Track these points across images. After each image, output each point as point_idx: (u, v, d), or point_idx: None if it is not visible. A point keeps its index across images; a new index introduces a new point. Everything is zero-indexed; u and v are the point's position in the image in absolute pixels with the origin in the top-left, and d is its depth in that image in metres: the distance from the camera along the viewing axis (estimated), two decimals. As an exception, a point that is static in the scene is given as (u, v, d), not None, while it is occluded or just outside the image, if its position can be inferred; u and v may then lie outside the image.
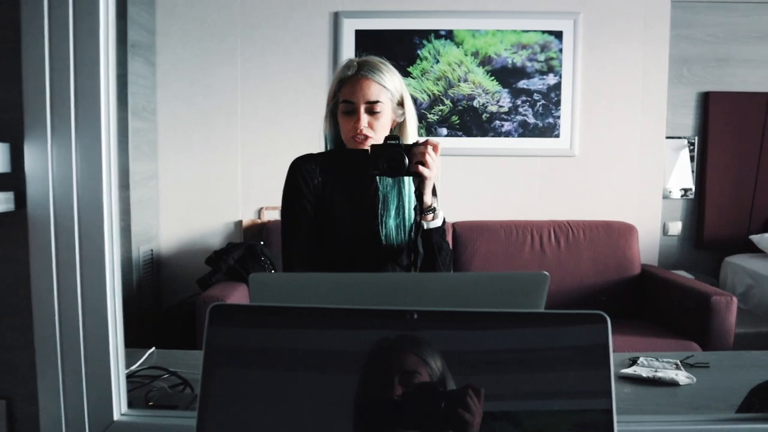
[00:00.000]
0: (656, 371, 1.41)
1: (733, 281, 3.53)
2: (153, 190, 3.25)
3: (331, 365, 0.69)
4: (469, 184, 3.29)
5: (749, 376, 1.25)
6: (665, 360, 1.49)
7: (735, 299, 2.64)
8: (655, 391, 1.36)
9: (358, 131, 1.44)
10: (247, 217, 3.29)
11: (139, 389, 1.26)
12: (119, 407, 0.87)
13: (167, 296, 3.26)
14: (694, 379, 1.39)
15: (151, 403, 1.17)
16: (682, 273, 3.35)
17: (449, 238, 2.71)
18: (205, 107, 3.25)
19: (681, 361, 1.48)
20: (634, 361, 1.49)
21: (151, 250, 3.20)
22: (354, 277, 0.90)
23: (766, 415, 0.93)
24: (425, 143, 1.37)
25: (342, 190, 1.51)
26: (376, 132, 1.45)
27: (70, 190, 0.83)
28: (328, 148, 1.57)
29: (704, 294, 2.68)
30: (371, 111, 1.44)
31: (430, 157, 1.36)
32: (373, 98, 1.44)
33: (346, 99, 1.45)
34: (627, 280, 3.12)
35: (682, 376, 1.39)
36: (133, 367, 1.37)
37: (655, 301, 3.06)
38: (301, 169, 1.52)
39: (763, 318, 3.15)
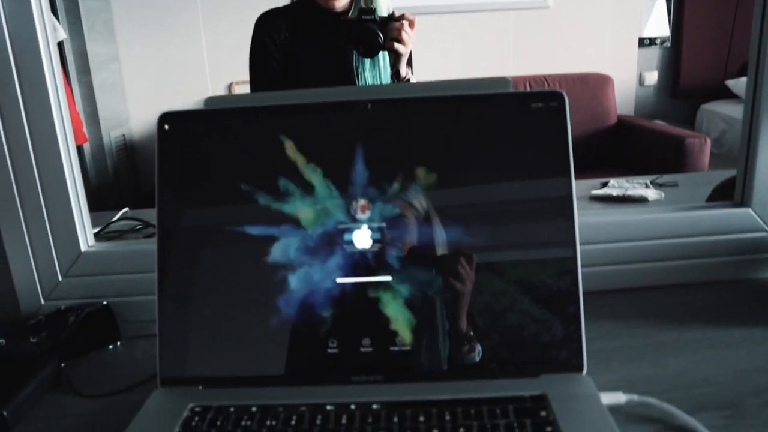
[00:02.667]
0: (626, 190, 1.44)
1: (708, 127, 3.56)
2: (116, 73, 3.13)
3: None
4: (442, 43, 3.20)
5: (716, 188, 1.28)
6: (635, 181, 1.51)
7: (708, 140, 2.67)
8: (625, 208, 1.39)
9: None
10: (218, 94, 3.21)
11: (115, 241, 1.26)
12: (86, 240, 0.88)
13: (145, 180, 3.24)
14: (663, 195, 1.42)
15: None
16: (659, 122, 3.36)
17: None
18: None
19: (651, 182, 1.51)
20: (605, 184, 1.51)
21: (123, 135, 3.13)
22: (312, 93, 0.88)
23: (727, 203, 0.96)
24: (401, 18, 1.32)
25: (311, 44, 1.47)
26: None
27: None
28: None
29: (678, 137, 2.70)
30: None
31: (407, 33, 1.32)
32: None
33: None
34: (603, 130, 3.12)
35: (651, 193, 1.42)
36: (109, 221, 1.37)
37: (631, 149, 3.09)
38: (266, 26, 1.48)
39: (736, 160, 3.20)
